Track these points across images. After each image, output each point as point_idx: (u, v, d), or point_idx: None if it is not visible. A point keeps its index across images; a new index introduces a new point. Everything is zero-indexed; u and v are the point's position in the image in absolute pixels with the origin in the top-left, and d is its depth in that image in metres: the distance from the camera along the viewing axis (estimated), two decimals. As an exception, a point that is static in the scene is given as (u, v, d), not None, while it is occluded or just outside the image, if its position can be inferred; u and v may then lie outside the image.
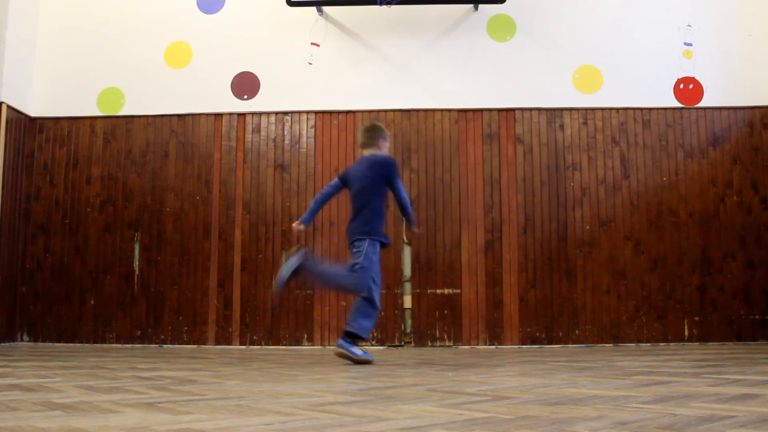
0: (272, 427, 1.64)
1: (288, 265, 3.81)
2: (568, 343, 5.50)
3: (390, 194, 4.04)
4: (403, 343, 5.57)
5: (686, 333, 5.52)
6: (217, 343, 5.62)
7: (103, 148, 5.93)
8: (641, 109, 5.80)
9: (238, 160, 5.84)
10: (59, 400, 2.13)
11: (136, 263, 5.76)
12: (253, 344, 5.60)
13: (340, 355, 3.77)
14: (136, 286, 5.72)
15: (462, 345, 5.53)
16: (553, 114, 5.81)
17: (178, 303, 5.68)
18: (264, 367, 3.52)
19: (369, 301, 3.81)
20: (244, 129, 5.89)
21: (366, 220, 3.92)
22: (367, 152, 4.06)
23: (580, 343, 5.51)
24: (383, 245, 3.96)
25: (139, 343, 5.65)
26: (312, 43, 5.97)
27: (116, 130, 5.95)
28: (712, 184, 5.69)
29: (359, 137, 4.19)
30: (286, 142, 5.86)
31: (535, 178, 5.71)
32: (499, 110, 5.82)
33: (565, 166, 5.74)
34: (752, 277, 5.56)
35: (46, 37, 6.10)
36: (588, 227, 5.66)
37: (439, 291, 5.59)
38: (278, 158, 5.83)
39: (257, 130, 5.89)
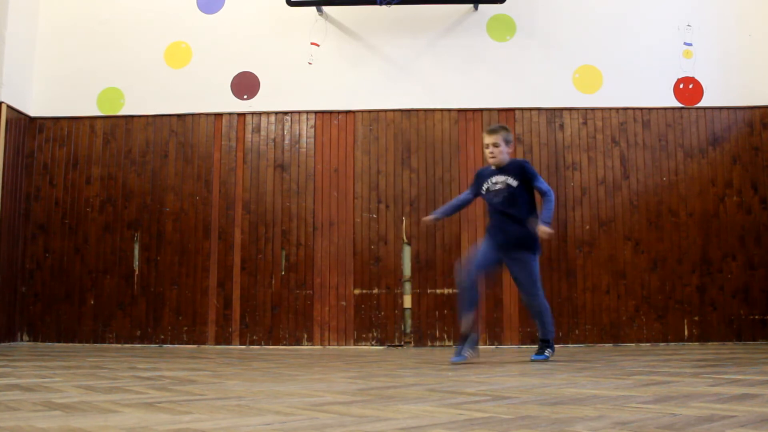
0: (272, 427, 1.64)
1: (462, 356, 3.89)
2: (567, 343, 5.50)
3: (479, 200, 4.24)
4: (403, 343, 5.57)
5: (686, 333, 5.52)
6: (217, 343, 5.62)
7: (102, 148, 5.93)
8: (641, 109, 5.80)
9: (238, 160, 5.84)
10: (59, 400, 2.13)
11: (136, 263, 5.76)
12: (253, 344, 5.60)
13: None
14: (135, 286, 5.72)
15: (462, 345, 5.52)
16: (553, 114, 5.81)
17: (177, 303, 5.68)
18: (264, 367, 3.52)
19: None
20: (244, 129, 5.89)
21: None
22: None
23: (580, 343, 5.51)
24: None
25: (139, 343, 5.65)
26: (312, 43, 5.97)
27: (116, 130, 5.95)
28: (711, 184, 5.69)
29: None
30: (286, 142, 5.86)
31: (535, 178, 5.70)
32: (499, 110, 5.82)
33: (565, 166, 5.73)
34: (752, 277, 5.56)
35: (46, 36, 6.10)
36: (588, 227, 5.65)
37: (439, 291, 5.59)
38: (278, 158, 5.83)
39: (257, 130, 5.88)
